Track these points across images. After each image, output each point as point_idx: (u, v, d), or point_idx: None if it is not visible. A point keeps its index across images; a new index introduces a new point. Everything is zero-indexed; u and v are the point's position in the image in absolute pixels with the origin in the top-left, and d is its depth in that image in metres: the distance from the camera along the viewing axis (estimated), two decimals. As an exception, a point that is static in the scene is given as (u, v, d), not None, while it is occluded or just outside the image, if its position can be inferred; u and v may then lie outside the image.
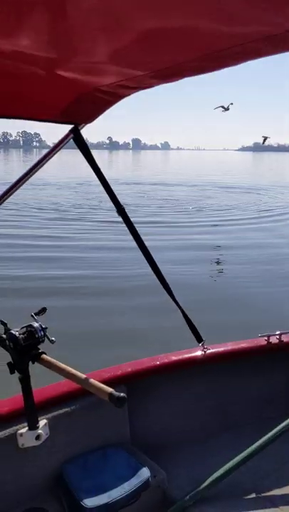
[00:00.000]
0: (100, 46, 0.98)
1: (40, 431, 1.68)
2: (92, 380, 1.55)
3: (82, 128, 1.68)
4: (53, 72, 1.17)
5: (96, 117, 1.63)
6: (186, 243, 10.05)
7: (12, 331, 1.61)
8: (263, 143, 45.95)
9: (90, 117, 1.63)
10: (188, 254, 9.02)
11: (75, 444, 1.87)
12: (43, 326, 1.65)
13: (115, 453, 1.89)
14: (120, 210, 1.84)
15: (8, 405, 1.77)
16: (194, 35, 0.88)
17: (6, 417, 1.73)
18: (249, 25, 0.81)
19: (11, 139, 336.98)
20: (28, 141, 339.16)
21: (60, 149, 1.71)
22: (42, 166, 1.68)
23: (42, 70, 1.16)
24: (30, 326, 1.64)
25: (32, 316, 1.67)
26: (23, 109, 1.47)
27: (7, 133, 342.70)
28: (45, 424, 1.71)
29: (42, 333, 1.63)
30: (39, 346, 1.65)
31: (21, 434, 1.67)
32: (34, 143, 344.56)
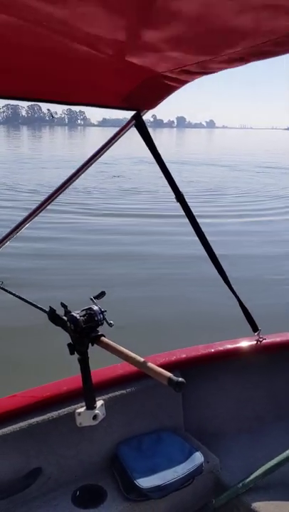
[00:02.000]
0: (171, 31, 0.96)
1: (97, 411, 1.72)
2: (150, 364, 1.56)
3: (144, 114, 1.66)
4: (121, 57, 1.15)
5: (158, 103, 1.60)
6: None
7: (73, 313, 1.65)
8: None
9: (153, 103, 1.60)
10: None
11: (129, 426, 1.91)
12: (102, 310, 1.67)
13: (169, 437, 1.91)
14: (179, 197, 1.82)
15: (66, 385, 1.82)
16: (264, 19, 0.84)
17: (65, 396, 1.78)
18: None
19: (56, 116, 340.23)
20: (72, 119, 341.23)
21: (122, 135, 1.69)
22: (105, 152, 1.67)
23: (111, 55, 1.15)
24: (90, 308, 1.66)
25: (91, 299, 1.70)
26: (87, 95, 1.46)
27: (53, 111, 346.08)
28: (102, 404, 1.75)
29: (101, 316, 1.65)
30: (98, 329, 1.68)
31: (79, 413, 1.72)
32: (79, 121, 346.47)
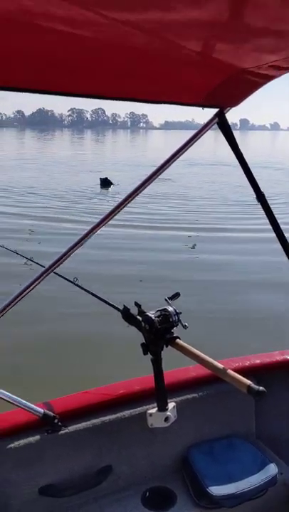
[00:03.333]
0: (259, 22, 0.92)
1: (168, 413, 1.71)
2: (228, 370, 1.52)
3: (227, 112, 1.62)
4: (207, 53, 1.12)
5: (242, 100, 1.56)
6: None
7: (148, 314, 1.64)
8: None
9: (236, 100, 1.56)
10: None
11: (200, 430, 1.87)
12: (177, 311, 1.66)
13: (241, 444, 1.86)
14: (260, 196, 1.76)
15: (138, 384, 1.82)
16: None
17: (137, 395, 1.78)
18: None
19: (119, 120, 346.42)
20: (135, 122, 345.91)
21: (204, 133, 1.67)
22: (187, 150, 1.65)
23: (194, 51, 1.12)
24: (165, 309, 1.66)
25: (166, 300, 1.69)
26: (167, 94, 1.44)
27: (116, 114, 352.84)
28: (174, 407, 1.74)
29: (176, 318, 1.64)
30: (172, 330, 1.67)
31: (151, 414, 1.71)
32: (141, 124, 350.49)
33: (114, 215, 1.64)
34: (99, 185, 15.13)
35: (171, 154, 1.63)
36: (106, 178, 14.56)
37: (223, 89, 1.41)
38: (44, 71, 1.11)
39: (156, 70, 1.25)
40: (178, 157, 1.63)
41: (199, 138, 1.65)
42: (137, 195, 1.63)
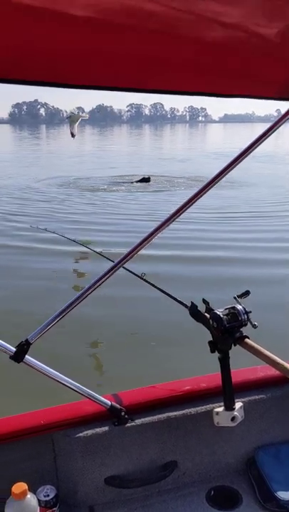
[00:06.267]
0: None
1: (235, 413, 1.68)
2: None
3: None
4: (282, 43, 1.08)
5: None
6: None
7: (216, 311, 1.62)
8: None
9: None
10: None
11: (267, 432, 1.83)
12: (247, 310, 1.62)
13: (311, 449, 1.80)
14: None
15: (205, 382, 1.81)
16: None
17: (204, 393, 1.77)
18: None
19: (177, 114, 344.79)
20: (194, 116, 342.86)
21: (279, 127, 1.61)
22: (261, 144, 1.60)
23: (276, 43, 1.08)
24: (234, 308, 1.62)
25: (235, 298, 1.65)
26: (241, 87, 1.41)
27: (174, 108, 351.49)
28: (241, 407, 1.70)
29: (245, 317, 1.60)
30: (241, 329, 1.64)
31: (217, 413, 1.69)
32: (200, 117, 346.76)
33: (184, 211, 1.62)
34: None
35: (243, 150, 1.59)
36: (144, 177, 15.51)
37: None
38: (127, 69, 1.12)
39: (231, 64, 1.22)
40: (252, 151, 1.59)
41: (273, 132, 1.60)
42: (209, 189, 1.60)
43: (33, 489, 1.42)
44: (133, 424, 1.67)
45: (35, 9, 0.81)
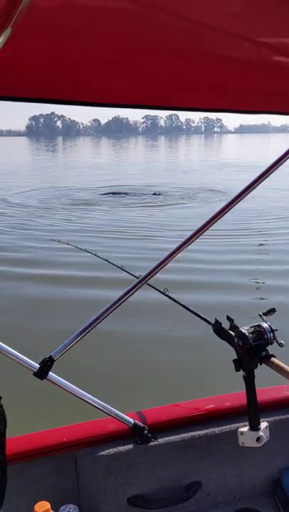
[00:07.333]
0: None
1: (261, 433, 1.65)
2: None
3: None
4: None
5: None
6: None
7: (241, 329, 1.60)
8: None
9: None
10: None
11: None
12: (273, 328, 1.59)
13: None
14: None
15: (229, 401, 1.78)
16: None
17: (228, 412, 1.74)
18: None
19: (193, 125, 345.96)
20: (209, 127, 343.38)
21: None
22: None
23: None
24: (259, 325, 1.60)
25: (260, 315, 1.63)
26: (259, 103, 1.40)
27: (190, 119, 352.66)
28: (266, 427, 1.67)
29: (271, 335, 1.57)
30: (267, 348, 1.61)
31: (242, 433, 1.66)
32: (215, 128, 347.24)
33: (209, 228, 1.61)
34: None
35: (271, 164, 1.58)
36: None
37: None
38: (143, 85, 1.12)
39: (250, 80, 1.21)
40: (281, 164, 1.57)
41: None
42: (234, 205, 1.59)
43: (55, 507, 1.40)
44: (156, 442, 1.65)
45: (60, 27, 0.80)
